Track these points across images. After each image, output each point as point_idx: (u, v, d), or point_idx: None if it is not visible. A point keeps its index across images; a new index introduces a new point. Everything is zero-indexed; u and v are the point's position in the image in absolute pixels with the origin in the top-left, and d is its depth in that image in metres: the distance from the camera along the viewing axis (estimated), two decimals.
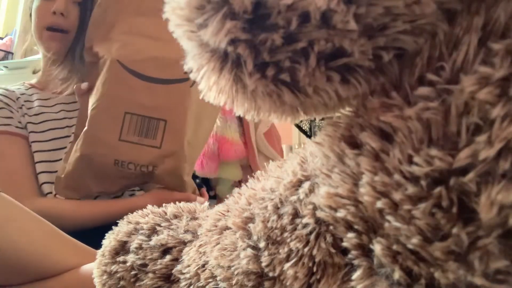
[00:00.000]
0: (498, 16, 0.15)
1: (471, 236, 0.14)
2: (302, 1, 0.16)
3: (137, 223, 0.35)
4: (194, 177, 1.28)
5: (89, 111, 0.75)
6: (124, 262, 0.33)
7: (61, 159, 0.79)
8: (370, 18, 0.16)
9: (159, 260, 0.31)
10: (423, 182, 0.15)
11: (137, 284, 0.31)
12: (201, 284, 0.26)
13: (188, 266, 0.28)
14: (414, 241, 0.15)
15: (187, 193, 0.81)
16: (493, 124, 0.14)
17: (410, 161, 0.16)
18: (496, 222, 0.14)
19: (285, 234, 0.21)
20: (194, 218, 0.34)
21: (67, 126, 0.85)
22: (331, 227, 0.19)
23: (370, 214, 0.17)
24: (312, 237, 0.20)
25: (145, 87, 0.74)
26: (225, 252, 0.24)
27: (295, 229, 0.21)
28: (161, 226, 0.33)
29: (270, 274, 0.21)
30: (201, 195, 0.92)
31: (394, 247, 0.16)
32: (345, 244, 0.18)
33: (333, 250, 0.19)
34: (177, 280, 0.29)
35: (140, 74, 0.74)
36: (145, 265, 0.31)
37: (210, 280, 0.25)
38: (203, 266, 0.27)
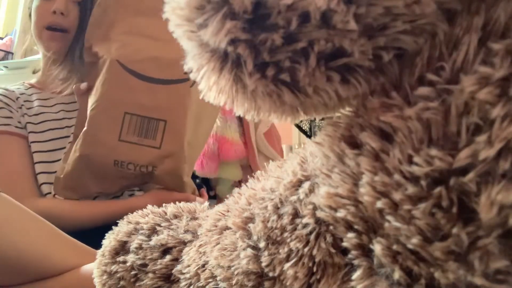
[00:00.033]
0: (498, 16, 0.15)
1: (471, 236, 0.14)
2: (302, 1, 0.16)
3: (137, 223, 0.35)
4: (194, 177, 1.29)
5: (88, 112, 0.75)
6: (124, 262, 0.33)
7: (60, 160, 0.79)
8: (370, 18, 0.16)
9: (159, 260, 0.31)
10: (423, 182, 0.15)
11: (137, 284, 0.31)
12: (201, 284, 0.26)
13: (188, 266, 0.28)
14: (414, 241, 0.15)
15: (187, 194, 0.81)
16: (493, 124, 0.14)
17: (410, 161, 0.16)
18: (496, 222, 0.14)
19: (285, 234, 0.21)
20: (194, 218, 0.34)
21: (67, 126, 0.85)
22: (331, 227, 0.19)
23: (370, 214, 0.17)
24: (312, 237, 0.20)
25: (145, 87, 0.74)
26: (225, 252, 0.24)
27: (295, 229, 0.21)
28: (161, 226, 0.33)
29: (270, 274, 0.21)
30: (200, 195, 0.92)
31: (394, 247, 0.16)
32: (345, 244, 0.18)
33: (333, 250, 0.19)
34: (177, 280, 0.29)
35: (139, 74, 0.74)
36: (145, 265, 0.31)
37: (210, 280, 0.25)
38: (203, 266, 0.27)
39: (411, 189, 0.15)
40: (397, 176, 0.16)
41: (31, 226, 0.52)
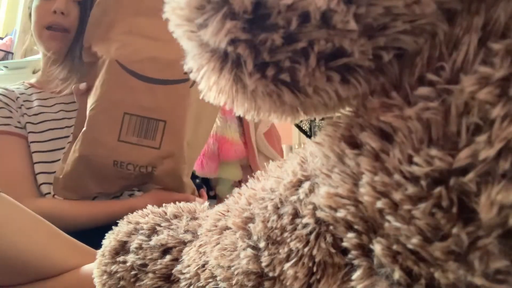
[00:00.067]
0: (498, 16, 0.15)
1: (471, 236, 0.14)
2: (302, 1, 0.16)
3: (137, 223, 0.35)
4: (194, 177, 1.29)
5: (87, 112, 0.74)
6: (124, 262, 0.33)
7: (59, 160, 0.79)
8: (370, 18, 0.16)
9: (159, 260, 0.31)
10: (423, 182, 0.15)
11: (137, 284, 0.31)
12: (201, 284, 0.26)
13: (188, 266, 0.28)
14: (414, 241, 0.15)
15: (186, 194, 0.81)
16: (493, 124, 0.14)
17: (410, 161, 0.16)
18: (496, 222, 0.14)
19: (285, 234, 0.21)
20: (194, 218, 0.34)
21: (66, 127, 0.85)
22: (331, 227, 0.19)
23: (370, 214, 0.17)
24: (312, 237, 0.20)
25: (144, 88, 0.74)
26: (225, 252, 0.24)
27: (295, 229, 0.21)
28: (161, 226, 0.33)
29: (270, 274, 0.21)
30: (200, 196, 0.92)
31: (394, 247, 0.16)
32: (345, 244, 0.18)
33: (333, 250, 0.19)
34: (177, 280, 0.29)
35: (139, 75, 0.74)
36: (145, 265, 0.31)
37: (210, 280, 0.25)
38: (203, 266, 0.27)
39: (411, 189, 0.15)
40: (397, 176, 0.16)
41: (31, 226, 0.52)
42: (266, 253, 0.22)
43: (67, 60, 0.86)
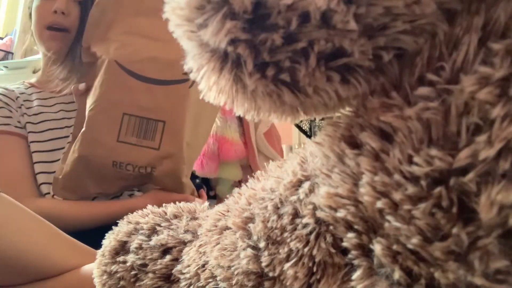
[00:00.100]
0: (498, 16, 0.15)
1: (471, 236, 0.14)
2: (302, 1, 0.16)
3: (137, 223, 0.35)
4: (194, 177, 1.29)
5: (87, 112, 0.74)
6: (124, 262, 0.33)
7: (59, 160, 0.79)
8: (370, 18, 0.16)
9: (159, 260, 0.31)
10: (423, 182, 0.15)
11: (137, 284, 0.31)
12: (201, 284, 0.26)
13: (188, 266, 0.28)
14: (414, 241, 0.15)
15: (186, 195, 0.81)
16: (493, 124, 0.14)
17: (410, 161, 0.16)
18: (496, 222, 0.14)
19: (285, 234, 0.21)
20: (194, 218, 0.34)
21: (66, 127, 0.85)
22: (331, 227, 0.19)
23: (370, 214, 0.17)
24: (312, 237, 0.20)
25: (144, 88, 0.73)
26: (225, 252, 0.24)
27: (295, 229, 0.21)
28: (161, 226, 0.33)
29: (270, 274, 0.21)
30: (199, 196, 0.92)
31: (394, 247, 0.16)
32: (345, 244, 0.18)
33: (333, 250, 0.19)
34: (177, 280, 0.29)
35: (138, 75, 0.74)
36: (145, 265, 0.31)
37: (210, 280, 0.25)
38: (203, 266, 0.27)
39: (411, 189, 0.15)
40: (397, 176, 0.16)
41: (31, 226, 0.52)
42: (266, 253, 0.22)
43: (68, 60, 0.86)
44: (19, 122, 0.82)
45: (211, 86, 0.19)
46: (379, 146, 0.17)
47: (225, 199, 0.30)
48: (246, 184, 0.29)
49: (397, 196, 0.16)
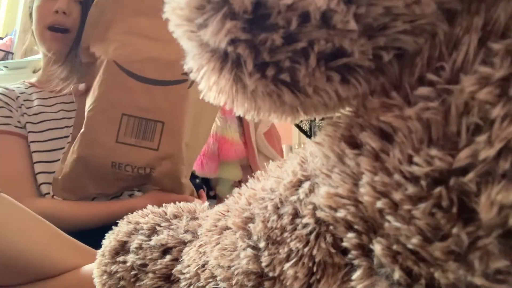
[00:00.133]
0: (498, 16, 0.15)
1: (471, 236, 0.14)
2: (302, 1, 0.16)
3: (137, 223, 0.35)
4: (194, 177, 1.29)
5: (86, 113, 0.74)
6: (124, 262, 0.33)
7: (59, 160, 0.79)
8: (370, 18, 0.16)
9: (159, 260, 0.31)
10: (423, 182, 0.15)
11: (137, 284, 0.31)
12: (201, 284, 0.26)
13: (188, 266, 0.28)
14: (414, 241, 0.15)
15: (185, 195, 0.81)
16: (493, 124, 0.14)
17: (410, 161, 0.16)
18: (496, 222, 0.14)
19: (285, 234, 0.21)
20: (194, 218, 0.34)
21: (66, 126, 0.85)
22: (331, 227, 0.19)
23: (370, 214, 0.17)
24: (312, 237, 0.20)
25: (142, 89, 0.73)
26: (225, 252, 0.24)
27: (295, 229, 0.21)
28: (161, 226, 0.33)
29: (270, 274, 0.21)
30: (199, 197, 0.91)
31: (394, 247, 0.16)
32: (345, 244, 0.18)
33: (333, 250, 0.19)
34: (177, 280, 0.29)
35: (136, 75, 0.74)
36: (145, 265, 0.31)
37: (210, 280, 0.25)
38: (203, 266, 0.27)
39: (411, 189, 0.15)
40: (397, 176, 0.16)
41: (31, 226, 0.52)
42: (266, 253, 0.22)
43: (68, 60, 0.86)
44: (19, 122, 0.82)
45: (211, 86, 0.19)
46: (379, 146, 0.17)
47: (225, 199, 0.30)
48: (246, 184, 0.29)
49: (397, 196, 0.16)
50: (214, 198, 1.41)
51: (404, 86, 0.17)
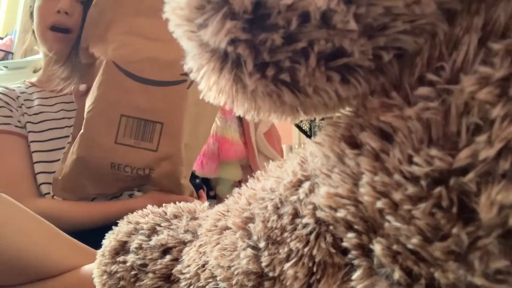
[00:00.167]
0: (498, 16, 0.15)
1: (471, 236, 0.14)
2: (302, 1, 0.16)
3: (137, 223, 0.35)
4: (194, 177, 1.29)
5: (85, 114, 0.74)
6: (124, 262, 0.33)
7: (59, 160, 0.79)
8: (370, 18, 0.16)
9: (159, 260, 0.31)
10: (423, 182, 0.15)
11: (137, 284, 0.31)
12: (201, 284, 0.26)
13: (188, 266, 0.28)
14: (414, 241, 0.15)
15: (185, 196, 0.81)
16: (493, 124, 0.14)
17: (410, 161, 0.16)
18: (496, 222, 0.14)
19: (285, 234, 0.21)
20: (194, 218, 0.34)
21: (66, 126, 0.85)
22: (331, 227, 0.19)
23: (370, 214, 0.17)
24: (312, 237, 0.20)
25: (141, 89, 0.73)
26: (225, 252, 0.24)
27: (295, 229, 0.21)
28: (161, 226, 0.33)
29: (270, 274, 0.21)
30: (199, 197, 0.91)
31: (394, 247, 0.16)
32: (345, 244, 0.18)
33: (333, 250, 0.19)
34: (177, 280, 0.29)
35: (135, 76, 0.73)
36: (145, 265, 0.31)
37: (210, 280, 0.25)
38: (203, 266, 0.27)
39: (411, 189, 0.15)
40: (397, 176, 0.16)
41: (31, 226, 0.52)
42: (266, 253, 0.22)
43: (69, 61, 0.85)
44: (19, 121, 0.82)
45: (211, 86, 0.19)
46: (379, 146, 0.17)
47: (225, 199, 0.30)
48: (246, 184, 0.29)
49: (397, 196, 0.16)
50: (214, 198, 1.41)
51: (404, 86, 0.17)
